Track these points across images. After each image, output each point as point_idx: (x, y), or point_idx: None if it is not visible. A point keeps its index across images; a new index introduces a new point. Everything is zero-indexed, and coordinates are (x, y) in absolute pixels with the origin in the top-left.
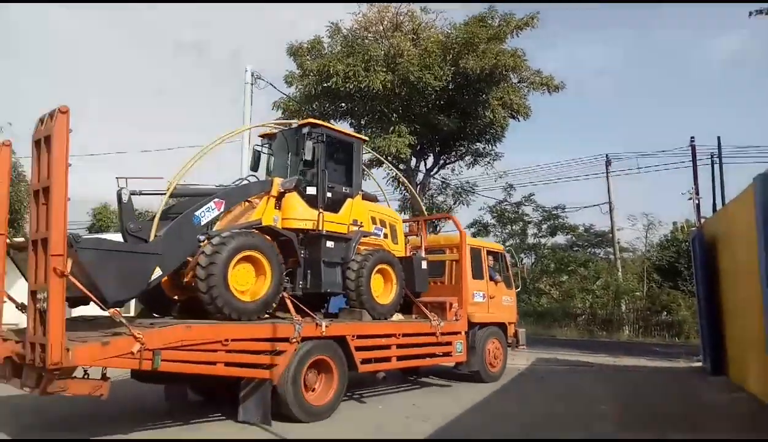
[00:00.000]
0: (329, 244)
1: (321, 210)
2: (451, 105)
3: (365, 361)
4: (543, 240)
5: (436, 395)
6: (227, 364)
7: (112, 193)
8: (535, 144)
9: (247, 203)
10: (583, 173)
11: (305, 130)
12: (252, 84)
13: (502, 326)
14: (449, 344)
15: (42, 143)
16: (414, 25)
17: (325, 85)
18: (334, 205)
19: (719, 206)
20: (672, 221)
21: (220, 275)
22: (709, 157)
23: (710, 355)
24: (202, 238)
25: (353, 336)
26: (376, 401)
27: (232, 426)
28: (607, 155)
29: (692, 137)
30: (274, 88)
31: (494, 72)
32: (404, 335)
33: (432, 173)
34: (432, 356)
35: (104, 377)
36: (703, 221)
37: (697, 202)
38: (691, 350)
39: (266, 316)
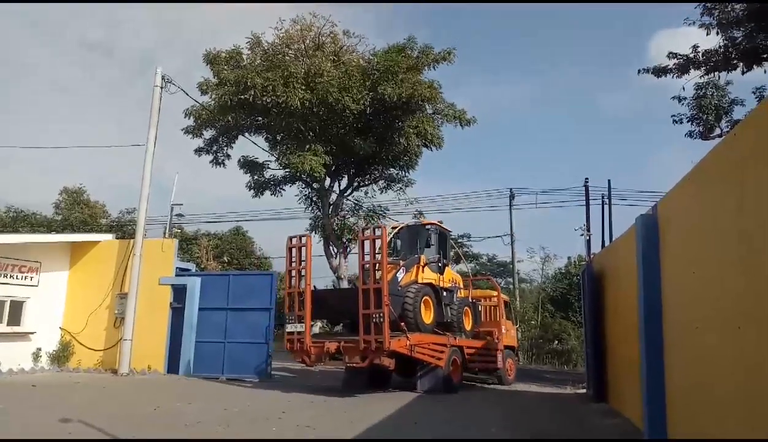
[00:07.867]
0: (444, 293)
1: (439, 273)
2: (368, 129)
3: (469, 361)
4: (448, 268)
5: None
6: (428, 355)
7: None
8: (446, 173)
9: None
10: (488, 205)
11: (429, 227)
12: (162, 88)
13: (512, 349)
14: (495, 357)
15: (365, 242)
16: (336, 48)
17: (242, 97)
18: (441, 271)
19: (608, 243)
20: (567, 256)
21: (419, 307)
22: (600, 197)
23: (594, 382)
24: (400, 288)
25: (466, 347)
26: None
27: (409, 394)
28: (511, 189)
29: (586, 178)
30: (186, 94)
31: (411, 101)
32: (481, 348)
33: (345, 194)
34: (488, 362)
35: (392, 356)
36: (592, 256)
37: (588, 238)
38: (578, 377)
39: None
